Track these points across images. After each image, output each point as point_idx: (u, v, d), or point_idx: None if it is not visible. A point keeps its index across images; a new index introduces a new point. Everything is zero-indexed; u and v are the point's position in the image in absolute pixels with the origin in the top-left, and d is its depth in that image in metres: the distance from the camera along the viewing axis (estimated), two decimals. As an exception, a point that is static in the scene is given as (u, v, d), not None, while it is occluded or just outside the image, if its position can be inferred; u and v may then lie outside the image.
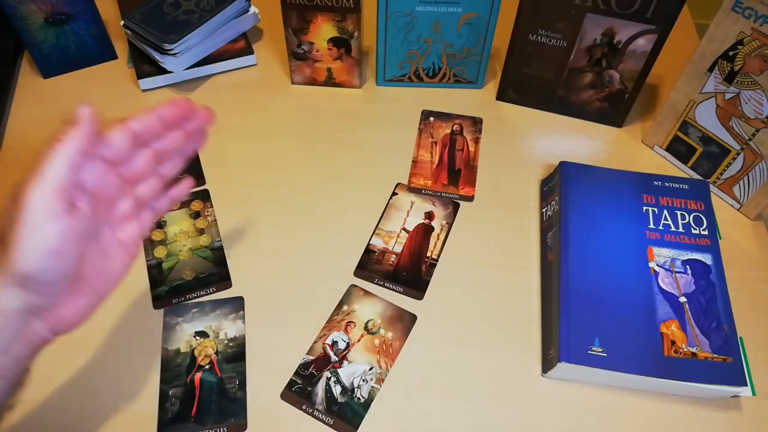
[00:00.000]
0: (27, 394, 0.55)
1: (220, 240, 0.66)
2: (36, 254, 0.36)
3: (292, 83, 0.82)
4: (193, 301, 0.61)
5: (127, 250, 0.44)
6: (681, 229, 0.62)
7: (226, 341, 0.59)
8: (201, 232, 0.66)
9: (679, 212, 0.64)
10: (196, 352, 0.58)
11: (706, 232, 0.62)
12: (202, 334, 0.59)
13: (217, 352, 0.58)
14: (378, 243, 0.66)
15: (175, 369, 0.57)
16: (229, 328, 0.59)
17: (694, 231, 0.62)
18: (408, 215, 0.69)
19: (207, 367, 0.57)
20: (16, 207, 0.36)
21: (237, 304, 0.61)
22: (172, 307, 0.60)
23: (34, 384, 0.56)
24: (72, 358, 0.57)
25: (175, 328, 0.59)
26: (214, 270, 0.63)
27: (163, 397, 0.55)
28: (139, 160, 0.44)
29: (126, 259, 0.44)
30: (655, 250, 0.61)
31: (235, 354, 0.58)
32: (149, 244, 0.65)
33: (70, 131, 0.38)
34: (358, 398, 0.56)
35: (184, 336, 0.58)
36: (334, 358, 0.58)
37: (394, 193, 0.71)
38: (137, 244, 0.45)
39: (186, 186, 0.50)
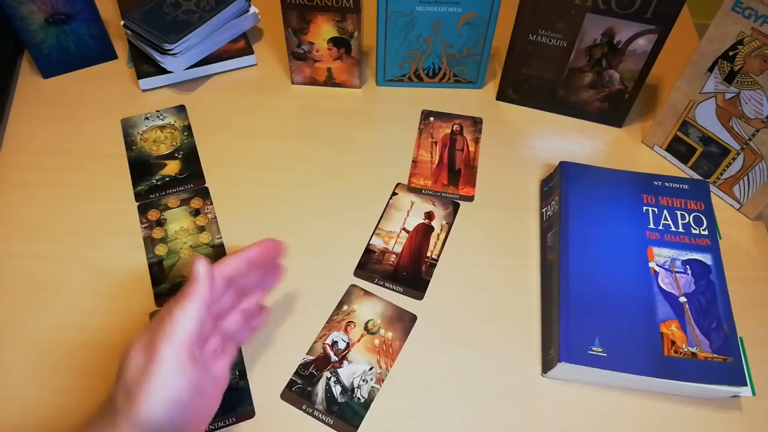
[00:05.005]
0: (27, 397, 0.55)
1: (221, 237, 0.66)
2: (163, 404, 0.38)
3: (292, 83, 0.82)
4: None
5: (219, 385, 0.45)
6: (681, 229, 0.62)
7: None
8: (201, 229, 0.67)
9: (679, 212, 0.64)
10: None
11: (706, 232, 0.62)
12: None
13: None
14: (378, 243, 0.66)
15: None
16: None
17: (694, 231, 0.62)
18: (408, 215, 0.69)
19: (207, 366, 0.57)
20: (148, 359, 0.38)
21: None
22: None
23: (30, 390, 0.56)
24: (71, 363, 0.57)
25: None
26: (214, 270, 0.63)
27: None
28: (226, 299, 0.47)
29: (218, 393, 0.45)
30: (655, 250, 0.61)
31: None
32: (150, 242, 0.65)
33: (196, 289, 0.41)
34: (358, 398, 0.56)
35: None
36: (334, 358, 0.58)
37: (394, 193, 0.71)
38: (227, 378, 0.46)
39: (265, 315, 0.53)
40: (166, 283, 0.62)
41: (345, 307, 0.61)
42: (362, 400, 0.55)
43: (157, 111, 0.78)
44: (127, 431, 0.37)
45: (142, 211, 0.68)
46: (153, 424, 0.37)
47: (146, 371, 0.38)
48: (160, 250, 0.65)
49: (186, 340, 0.39)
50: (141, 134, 0.75)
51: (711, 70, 0.65)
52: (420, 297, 0.62)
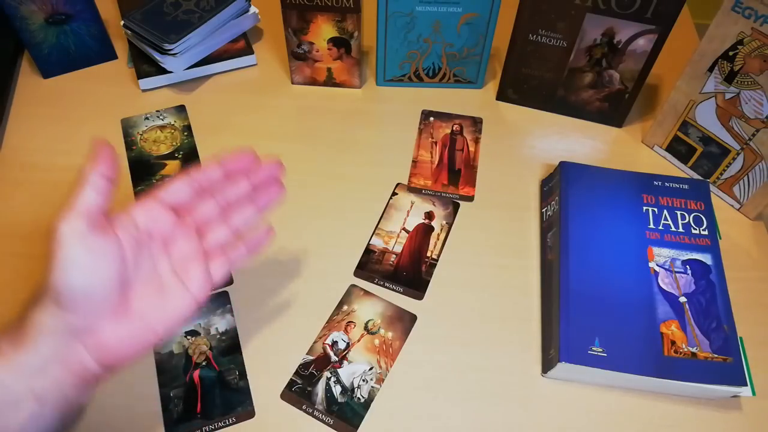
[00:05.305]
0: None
1: (220, 240, 0.66)
2: (64, 271, 0.38)
3: (292, 83, 0.82)
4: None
5: (191, 293, 0.45)
6: (681, 229, 0.62)
7: (218, 336, 0.59)
8: (201, 231, 0.66)
9: (679, 212, 0.64)
10: (190, 351, 0.58)
11: (706, 232, 0.62)
12: (192, 333, 0.59)
13: (211, 348, 0.58)
14: (378, 243, 0.66)
15: (172, 371, 0.57)
16: (219, 323, 0.60)
17: (694, 231, 0.62)
18: (408, 215, 0.69)
19: (204, 363, 0.57)
20: (52, 239, 0.39)
21: (222, 299, 0.61)
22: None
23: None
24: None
25: None
26: (214, 270, 0.63)
27: (165, 400, 0.55)
28: (205, 209, 0.47)
29: (188, 301, 0.44)
30: (655, 250, 0.61)
31: (230, 347, 0.58)
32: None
33: (91, 165, 0.41)
34: (358, 398, 0.56)
35: (175, 338, 0.58)
36: (334, 358, 0.58)
37: (394, 193, 0.71)
38: (204, 290, 0.46)
39: (265, 236, 0.51)
40: (166, 283, 0.62)
41: (345, 307, 0.61)
42: (362, 400, 0.55)
43: (157, 111, 0.78)
44: (46, 302, 0.39)
45: (142, 211, 0.68)
46: (59, 290, 0.38)
47: (51, 249, 0.39)
48: (160, 250, 0.65)
49: (81, 211, 0.40)
50: (141, 134, 0.75)
51: (711, 70, 0.65)
52: (420, 297, 0.62)
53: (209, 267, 0.46)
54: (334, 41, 0.76)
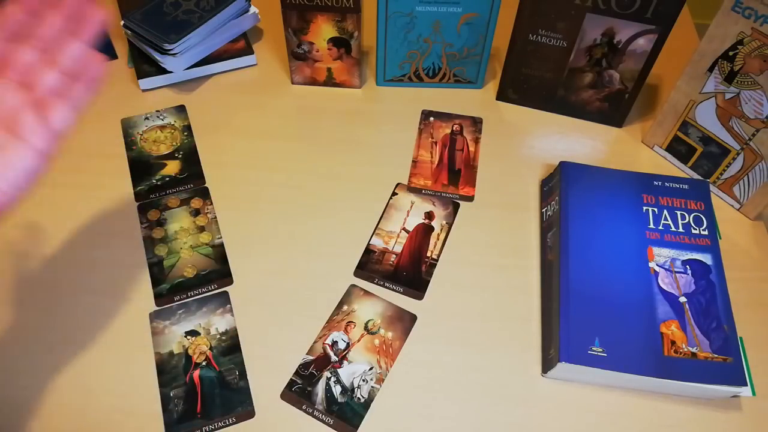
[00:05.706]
0: (31, 397, 0.55)
1: (221, 237, 0.66)
2: None
3: (292, 83, 0.82)
4: (176, 303, 0.61)
5: (30, 144, 0.42)
6: (681, 229, 0.62)
7: (218, 336, 0.59)
8: (201, 229, 0.67)
9: (679, 212, 0.64)
10: (190, 351, 0.58)
11: (706, 232, 0.62)
12: (192, 333, 0.59)
13: (211, 348, 0.58)
14: (378, 243, 0.66)
15: (172, 371, 0.57)
16: (219, 323, 0.60)
17: (694, 231, 0.62)
18: (408, 215, 0.69)
19: (204, 363, 0.57)
20: None
21: (223, 299, 0.61)
22: (157, 312, 0.60)
23: (32, 390, 0.56)
24: (71, 363, 0.57)
25: (164, 332, 0.59)
26: (216, 267, 0.63)
27: (165, 400, 0.55)
28: (23, 57, 0.43)
29: (29, 152, 0.42)
30: (655, 250, 0.61)
31: (230, 347, 0.58)
32: (150, 242, 0.65)
33: None
34: (358, 398, 0.56)
35: (175, 338, 0.58)
36: (334, 358, 0.58)
37: (394, 193, 0.71)
38: (45, 138, 0.43)
39: (99, 68, 0.46)
40: (166, 283, 0.62)
41: (345, 307, 0.61)
42: (362, 400, 0.55)
43: (157, 111, 0.78)
44: None
45: (142, 211, 0.68)
46: None
47: None
48: (160, 250, 0.65)
49: None
50: (141, 134, 0.75)
51: (711, 70, 0.65)
52: (420, 297, 0.62)
53: (49, 114, 0.43)
54: (334, 41, 0.76)
